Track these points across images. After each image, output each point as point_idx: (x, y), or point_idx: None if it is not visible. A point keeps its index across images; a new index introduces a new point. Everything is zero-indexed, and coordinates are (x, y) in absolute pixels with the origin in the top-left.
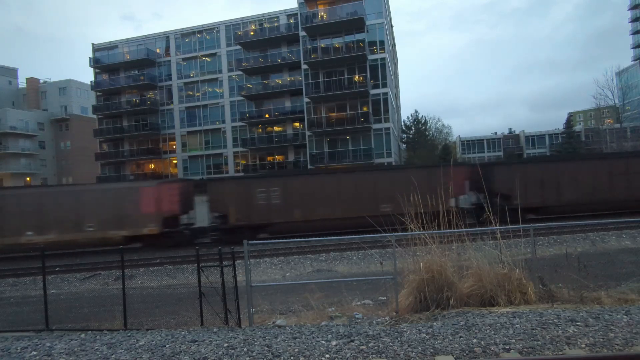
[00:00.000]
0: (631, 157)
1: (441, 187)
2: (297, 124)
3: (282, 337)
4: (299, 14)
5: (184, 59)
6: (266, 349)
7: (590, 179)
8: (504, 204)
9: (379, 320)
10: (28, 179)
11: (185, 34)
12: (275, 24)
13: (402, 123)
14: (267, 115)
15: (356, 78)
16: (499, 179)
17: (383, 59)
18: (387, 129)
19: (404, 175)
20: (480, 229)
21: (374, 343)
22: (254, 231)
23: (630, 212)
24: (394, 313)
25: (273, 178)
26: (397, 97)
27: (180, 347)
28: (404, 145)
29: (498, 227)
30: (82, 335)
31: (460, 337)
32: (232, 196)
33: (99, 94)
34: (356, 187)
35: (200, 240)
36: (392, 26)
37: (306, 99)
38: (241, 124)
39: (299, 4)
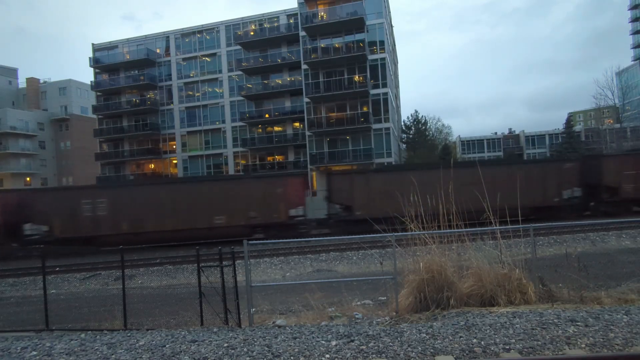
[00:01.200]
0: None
1: (279, 198)
2: (297, 124)
3: (282, 337)
4: (299, 14)
5: (184, 59)
6: (266, 349)
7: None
8: (347, 214)
9: (379, 320)
10: (28, 179)
11: (185, 34)
12: (275, 24)
13: (402, 123)
14: (267, 115)
15: (356, 78)
16: (338, 189)
17: (383, 59)
18: (387, 129)
19: (239, 186)
20: (480, 229)
21: (374, 343)
22: (84, 244)
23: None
24: (394, 313)
25: (99, 189)
26: (397, 97)
27: (180, 347)
28: (404, 145)
29: (498, 227)
30: (82, 335)
31: (460, 337)
32: (56, 208)
33: (99, 94)
34: (188, 198)
35: (28, 253)
36: (392, 26)
37: (306, 99)
38: (241, 124)
39: (299, 4)
